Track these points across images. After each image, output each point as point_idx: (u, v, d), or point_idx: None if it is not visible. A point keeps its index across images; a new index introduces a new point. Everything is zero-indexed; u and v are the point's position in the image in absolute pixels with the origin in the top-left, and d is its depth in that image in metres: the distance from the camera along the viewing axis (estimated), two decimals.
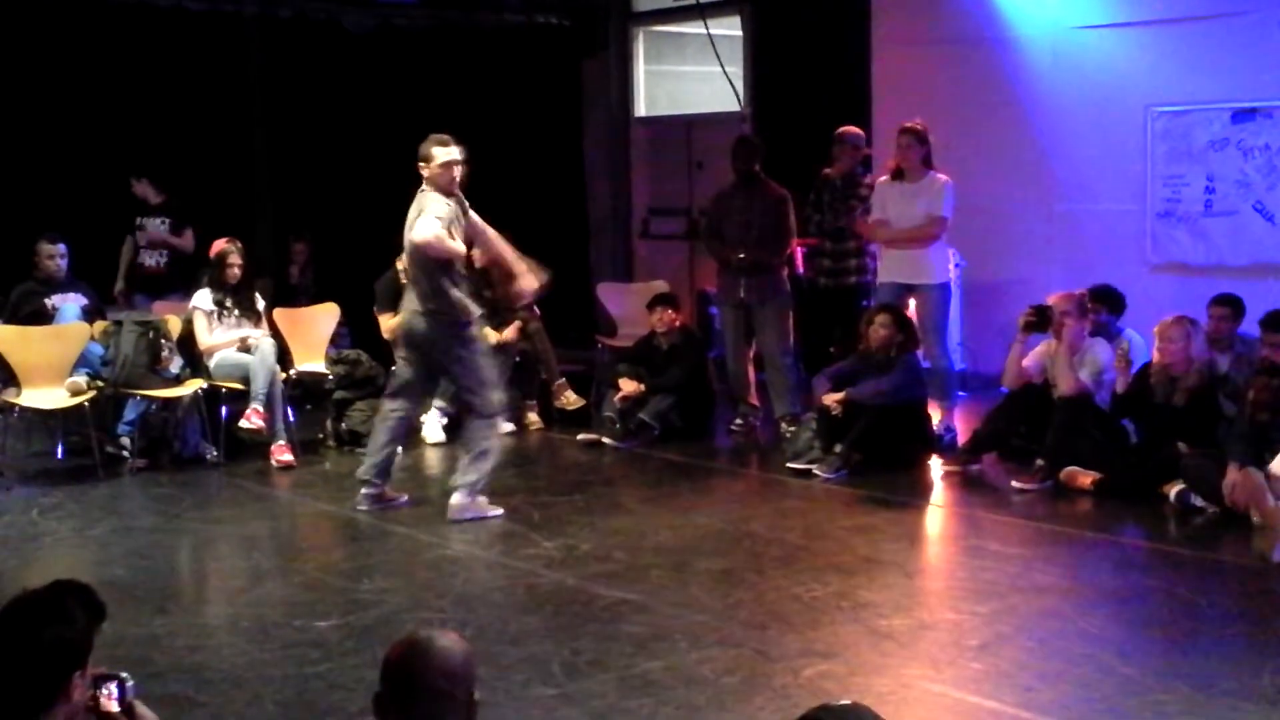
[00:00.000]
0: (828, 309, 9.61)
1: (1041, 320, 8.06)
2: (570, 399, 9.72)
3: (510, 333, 9.53)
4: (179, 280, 9.78)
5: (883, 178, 8.92)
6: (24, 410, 8.39)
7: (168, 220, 10.09)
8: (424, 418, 9.27)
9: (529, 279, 7.45)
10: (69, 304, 8.80)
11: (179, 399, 8.57)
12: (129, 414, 8.59)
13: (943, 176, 8.67)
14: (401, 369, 7.45)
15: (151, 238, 10.09)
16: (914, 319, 8.66)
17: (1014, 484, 7.69)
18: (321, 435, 9.14)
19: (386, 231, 9.80)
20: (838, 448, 8.09)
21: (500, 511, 7.21)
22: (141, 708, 2.94)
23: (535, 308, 9.95)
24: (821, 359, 9.14)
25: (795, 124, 11.50)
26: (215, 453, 8.63)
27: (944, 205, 8.61)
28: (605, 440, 9.04)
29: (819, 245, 9.74)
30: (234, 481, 8.23)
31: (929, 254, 8.65)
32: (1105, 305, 8.41)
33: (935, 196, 8.62)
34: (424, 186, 7.20)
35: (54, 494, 7.87)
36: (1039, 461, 7.69)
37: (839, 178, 9.61)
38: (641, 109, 13.46)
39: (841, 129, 9.77)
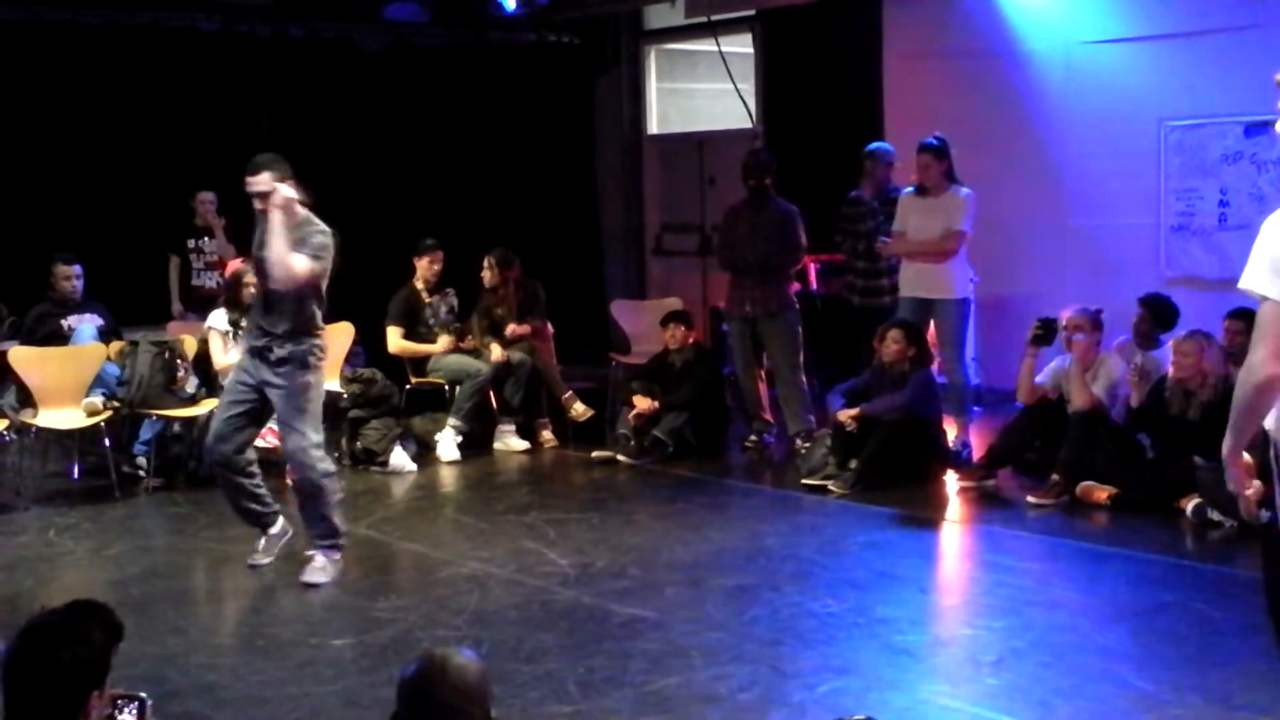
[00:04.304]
0: (858, 327, 9.54)
1: (1048, 333, 8.06)
2: (580, 409, 9.72)
3: (498, 351, 9.54)
4: None
5: (906, 190, 8.93)
6: (40, 431, 8.43)
7: (220, 239, 10.23)
8: (438, 436, 9.31)
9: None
10: (85, 324, 8.83)
11: (195, 419, 8.60)
12: (145, 434, 8.61)
13: (965, 190, 8.65)
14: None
15: (209, 260, 10.22)
16: (930, 334, 8.66)
17: (1029, 499, 7.68)
18: (336, 454, 9.13)
19: (400, 251, 9.90)
20: (852, 463, 8.09)
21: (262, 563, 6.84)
22: None
23: (548, 323, 10.00)
24: (844, 377, 9.09)
25: (807, 140, 11.53)
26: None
27: (963, 220, 8.60)
28: (619, 457, 9.05)
29: (851, 263, 9.70)
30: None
31: (947, 269, 8.64)
32: (1150, 314, 8.38)
33: (955, 211, 8.61)
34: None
35: (70, 514, 7.89)
36: (1054, 476, 7.68)
37: (874, 197, 9.57)
38: (654, 126, 13.50)
39: (872, 146, 9.73)
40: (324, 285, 6.52)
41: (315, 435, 6.49)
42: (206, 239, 10.27)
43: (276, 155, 6.58)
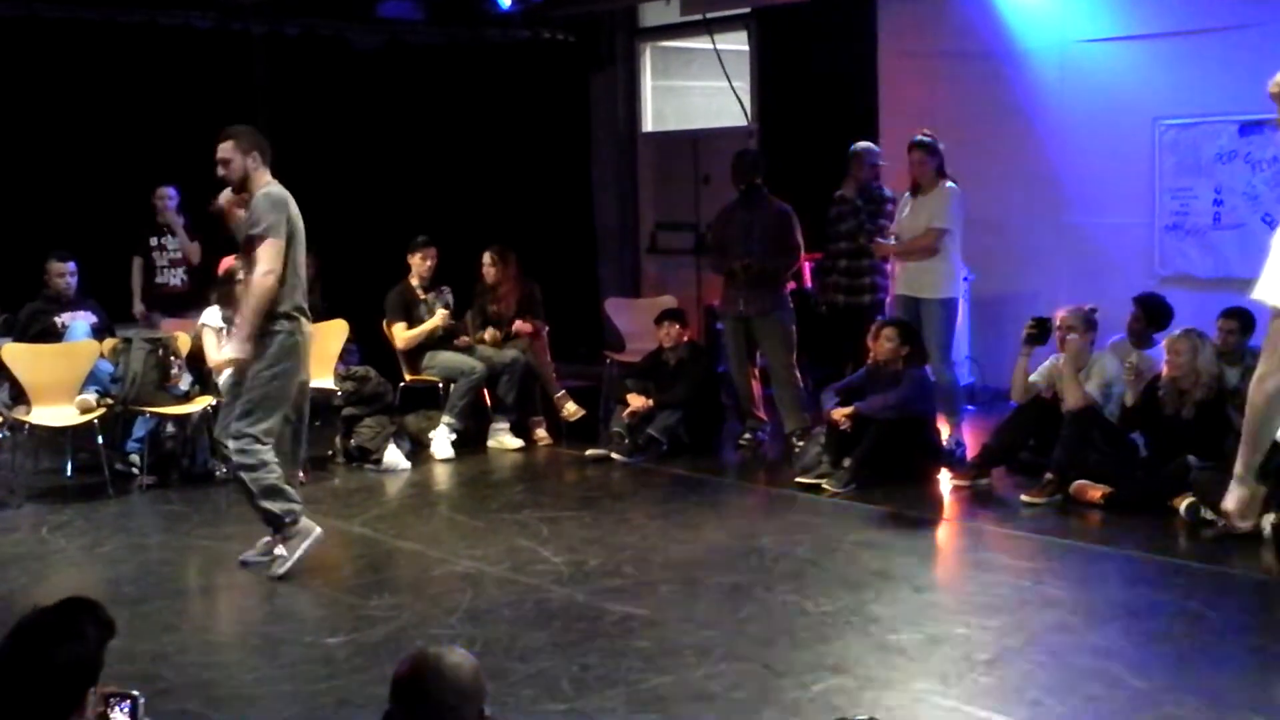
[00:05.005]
0: (841, 327, 9.56)
1: (1042, 332, 8.07)
2: (571, 409, 9.72)
3: (492, 333, 9.55)
4: (196, 297, 9.81)
5: (905, 193, 8.94)
6: (34, 428, 8.41)
7: (181, 237, 10.13)
8: (432, 434, 9.30)
9: None
10: (78, 321, 8.82)
11: (188, 416, 8.60)
12: (138, 431, 8.61)
13: (950, 186, 8.66)
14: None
15: (173, 258, 10.15)
16: None
17: (1023, 498, 7.68)
18: (330, 452, 9.16)
19: (394, 249, 9.89)
20: (846, 462, 8.09)
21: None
22: None
23: (543, 320, 9.99)
24: (836, 377, 9.10)
25: (802, 139, 11.53)
26: (224, 469, 8.62)
27: (943, 215, 8.59)
28: (613, 456, 9.04)
29: (834, 263, 9.71)
30: (243, 498, 8.21)
31: (933, 268, 8.63)
32: (1144, 313, 8.39)
33: (937, 207, 8.62)
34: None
35: (64, 511, 7.89)
36: (1048, 475, 7.68)
37: (856, 196, 9.60)
38: (648, 124, 13.50)
39: (856, 145, 9.75)
40: (295, 266, 6.53)
41: (247, 425, 6.42)
42: (169, 236, 10.18)
43: (252, 129, 6.65)
